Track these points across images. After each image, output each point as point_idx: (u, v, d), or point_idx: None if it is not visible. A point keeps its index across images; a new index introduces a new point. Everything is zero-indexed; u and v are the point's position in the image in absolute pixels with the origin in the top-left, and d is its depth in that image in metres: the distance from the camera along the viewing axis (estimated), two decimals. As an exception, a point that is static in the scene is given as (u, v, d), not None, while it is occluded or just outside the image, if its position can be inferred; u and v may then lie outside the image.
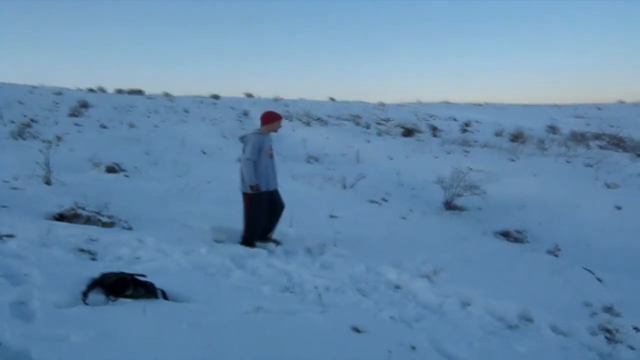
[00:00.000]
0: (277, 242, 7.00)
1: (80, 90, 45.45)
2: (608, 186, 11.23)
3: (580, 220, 9.90)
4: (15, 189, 8.37)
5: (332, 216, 8.85)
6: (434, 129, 23.46)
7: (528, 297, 5.26)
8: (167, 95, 43.92)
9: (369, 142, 20.12)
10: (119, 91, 47.34)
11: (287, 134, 20.22)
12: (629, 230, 9.02)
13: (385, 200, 11.24)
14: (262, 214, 6.76)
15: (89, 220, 6.88)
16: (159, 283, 4.11)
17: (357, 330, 3.93)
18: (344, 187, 12.27)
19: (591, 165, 13.42)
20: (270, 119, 6.92)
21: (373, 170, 14.95)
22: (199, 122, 25.83)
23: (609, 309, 5.17)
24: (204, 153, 16.79)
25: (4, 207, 7.07)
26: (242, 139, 6.86)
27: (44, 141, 13.23)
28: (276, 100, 46.35)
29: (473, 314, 4.89)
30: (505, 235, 9.26)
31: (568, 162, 14.28)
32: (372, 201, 10.95)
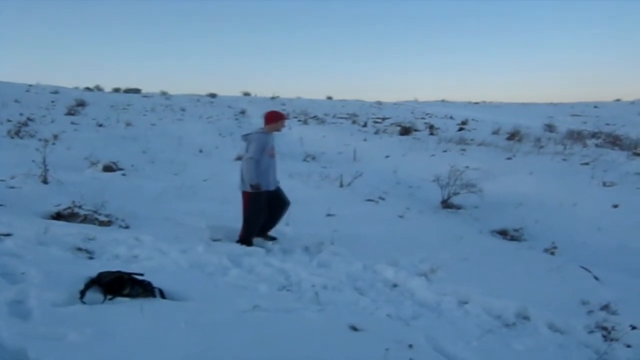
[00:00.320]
0: (274, 239, 7.00)
1: (77, 88, 45.43)
2: (605, 184, 11.24)
3: (577, 218, 9.91)
4: (12, 187, 8.36)
5: (329, 215, 8.84)
6: (430, 128, 23.49)
7: (525, 295, 5.27)
8: (163, 93, 43.90)
9: (365, 140, 20.13)
10: (116, 90, 47.33)
11: (284, 133, 20.11)
12: (626, 229, 9.02)
13: (383, 199, 11.23)
14: (260, 214, 6.76)
15: (86, 219, 6.87)
16: (156, 282, 4.11)
17: (354, 328, 3.93)
18: (341, 185, 12.27)
19: (588, 164, 13.43)
20: (274, 119, 6.91)
21: (370, 168, 14.96)
22: (195, 121, 25.84)
23: (605, 307, 5.18)
24: (201, 151, 16.78)
25: (1, 205, 7.06)
26: (246, 137, 6.84)
27: (40, 140, 13.20)
28: (273, 98, 46.38)
29: (470, 312, 4.90)
30: (502, 233, 9.26)
31: (565, 160, 14.29)
32: (369, 200, 10.94)
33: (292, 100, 45.03)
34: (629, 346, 4.35)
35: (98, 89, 47.85)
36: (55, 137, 15.12)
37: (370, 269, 5.99)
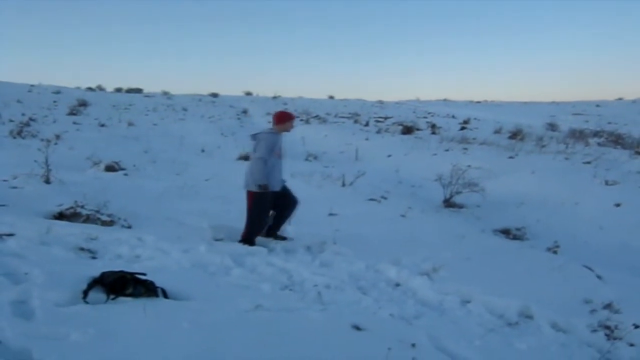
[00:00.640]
0: (284, 239, 7.02)
1: (79, 89, 45.47)
2: (607, 183, 11.22)
3: (579, 217, 9.90)
4: (14, 187, 8.37)
5: (331, 214, 8.84)
6: (432, 127, 23.46)
7: (528, 294, 5.26)
8: (165, 93, 43.89)
9: (367, 139, 20.11)
10: (118, 90, 47.35)
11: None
12: (628, 227, 9.01)
13: (385, 198, 11.23)
14: (264, 214, 6.77)
15: (88, 219, 6.87)
16: (158, 281, 4.11)
17: (357, 328, 3.93)
18: (343, 185, 12.27)
19: (590, 163, 13.41)
20: (283, 119, 6.92)
21: (372, 168, 14.95)
22: (197, 120, 25.85)
23: (608, 306, 5.17)
24: (203, 151, 16.79)
25: (3, 205, 7.07)
26: (255, 136, 6.84)
27: (42, 140, 13.21)
28: (275, 98, 46.35)
29: (473, 312, 4.90)
30: (505, 232, 9.25)
31: (567, 159, 14.27)
32: (371, 199, 10.94)
33: (294, 99, 45.00)
34: (632, 345, 4.34)
35: (100, 88, 47.89)
36: (58, 137, 15.15)
37: (373, 269, 5.99)
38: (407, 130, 22.20)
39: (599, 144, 18.11)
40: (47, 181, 9.03)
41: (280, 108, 31.93)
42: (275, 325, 3.76)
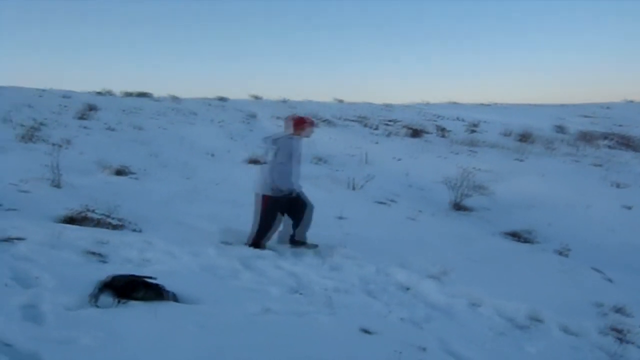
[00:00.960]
0: (315, 246, 6.95)
1: (88, 93, 45.66)
2: (617, 186, 11.18)
3: (589, 220, 9.86)
4: (24, 192, 8.41)
5: (340, 217, 8.84)
6: (441, 130, 23.41)
7: (537, 298, 5.25)
8: (174, 97, 44.00)
9: (376, 143, 20.10)
10: (127, 94, 47.53)
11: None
12: (639, 230, 8.97)
13: (394, 201, 11.22)
14: (275, 218, 6.78)
15: (98, 223, 6.89)
16: (168, 285, 4.12)
17: (366, 331, 3.93)
18: (352, 188, 12.26)
19: (599, 165, 13.38)
20: (304, 124, 6.95)
21: (381, 171, 14.94)
22: (206, 125, 25.87)
23: (619, 309, 5.16)
24: (212, 155, 16.82)
25: (14, 210, 7.10)
26: (275, 141, 6.83)
27: (52, 144, 13.26)
28: (283, 102, 46.38)
29: (483, 315, 4.88)
30: (514, 235, 9.22)
31: (576, 161, 14.24)
32: (380, 202, 10.94)
33: (302, 103, 44.94)
34: (643, 348, 4.32)
35: (109, 93, 48.05)
36: (67, 141, 15.19)
37: (383, 272, 5.98)
38: (416, 133, 22.15)
39: (608, 147, 18.05)
40: (57, 185, 9.06)
41: (288, 112, 31.95)
42: (284, 329, 3.76)
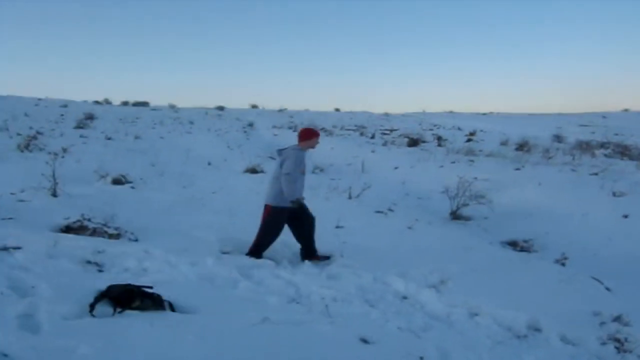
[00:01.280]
0: (327, 258, 6.96)
1: (86, 102, 45.74)
2: (614, 194, 11.17)
3: (587, 229, 9.85)
4: (21, 201, 8.40)
5: (338, 226, 8.83)
6: (438, 139, 23.45)
7: (536, 307, 5.24)
8: (172, 106, 44.07)
9: (374, 152, 20.10)
10: (125, 103, 47.59)
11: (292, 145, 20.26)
12: (637, 239, 8.95)
13: (392, 210, 11.21)
14: (278, 230, 6.80)
15: (95, 232, 6.88)
16: (165, 294, 4.11)
17: (365, 341, 3.92)
18: (350, 197, 12.26)
19: (597, 174, 13.36)
20: (309, 136, 6.99)
21: (379, 180, 14.94)
22: (204, 134, 25.92)
23: (618, 318, 5.14)
24: (210, 164, 16.84)
25: (11, 219, 7.09)
26: (281, 152, 6.89)
27: (50, 153, 13.26)
28: (281, 111, 46.51)
29: (481, 324, 4.87)
30: (512, 244, 9.21)
31: (574, 170, 14.23)
32: (378, 211, 10.93)
33: (300, 112, 45.11)
34: (642, 358, 4.31)
35: (107, 102, 48.16)
36: (65, 150, 15.20)
37: (380, 281, 5.96)
38: (413, 142, 22.19)
39: (605, 156, 18.06)
40: (55, 194, 9.05)
41: (287, 121, 31.97)
42: (282, 338, 3.74)
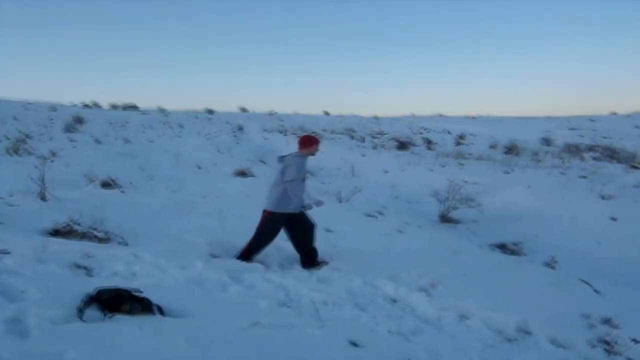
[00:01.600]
0: (325, 263, 6.94)
1: (74, 105, 45.51)
2: (603, 197, 11.25)
3: (576, 231, 9.91)
4: (10, 205, 8.34)
5: (328, 230, 8.83)
6: (428, 142, 23.53)
7: (526, 310, 5.25)
8: (161, 110, 43.91)
9: (363, 155, 20.15)
10: (114, 106, 47.39)
11: (282, 149, 20.25)
12: (625, 241, 9.02)
13: (381, 214, 11.23)
14: (272, 235, 6.80)
15: (84, 236, 6.84)
16: (155, 298, 4.08)
17: (354, 344, 3.91)
18: (340, 201, 12.27)
19: (586, 177, 13.45)
20: (309, 143, 6.98)
21: (368, 183, 14.97)
22: (194, 137, 25.85)
23: (607, 321, 5.17)
24: (199, 168, 16.80)
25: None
26: (282, 159, 6.92)
27: (38, 157, 13.20)
28: (271, 114, 46.45)
29: (471, 327, 4.88)
30: (502, 247, 9.25)
31: (562, 173, 14.32)
32: (368, 215, 10.94)
33: (290, 116, 45.06)
34: (631, 360, 4.33)
35: (96, 105, 47.94)
36: (54, 154, 15.13)
37: (370, 285, 5.97)
38: (403, 146, 22.27)
39: (594, 159, 18.20)
40: (43, 198, 9.00)
41: (277, 124, 31.94)
42: (273, 342, 3.73)
